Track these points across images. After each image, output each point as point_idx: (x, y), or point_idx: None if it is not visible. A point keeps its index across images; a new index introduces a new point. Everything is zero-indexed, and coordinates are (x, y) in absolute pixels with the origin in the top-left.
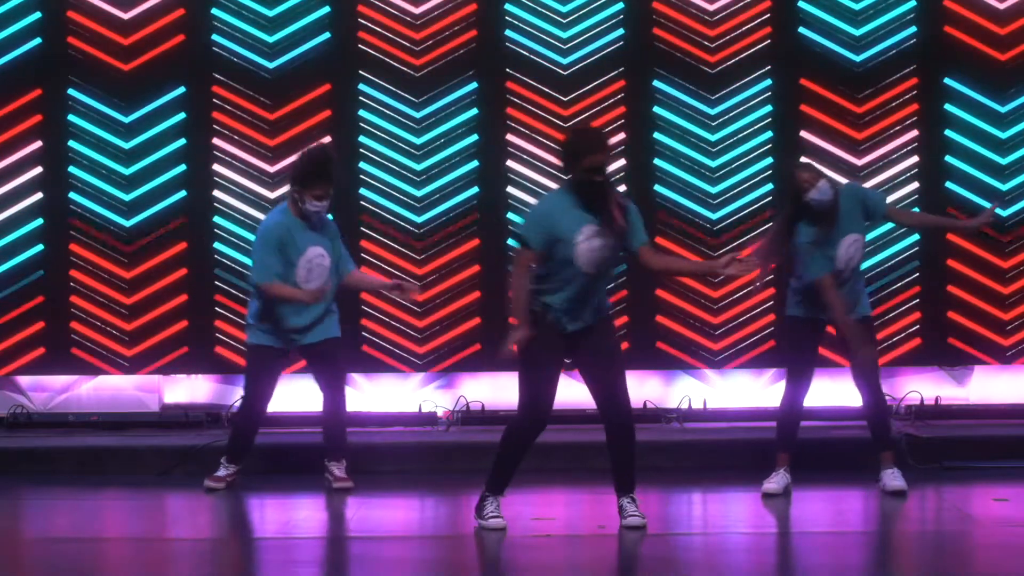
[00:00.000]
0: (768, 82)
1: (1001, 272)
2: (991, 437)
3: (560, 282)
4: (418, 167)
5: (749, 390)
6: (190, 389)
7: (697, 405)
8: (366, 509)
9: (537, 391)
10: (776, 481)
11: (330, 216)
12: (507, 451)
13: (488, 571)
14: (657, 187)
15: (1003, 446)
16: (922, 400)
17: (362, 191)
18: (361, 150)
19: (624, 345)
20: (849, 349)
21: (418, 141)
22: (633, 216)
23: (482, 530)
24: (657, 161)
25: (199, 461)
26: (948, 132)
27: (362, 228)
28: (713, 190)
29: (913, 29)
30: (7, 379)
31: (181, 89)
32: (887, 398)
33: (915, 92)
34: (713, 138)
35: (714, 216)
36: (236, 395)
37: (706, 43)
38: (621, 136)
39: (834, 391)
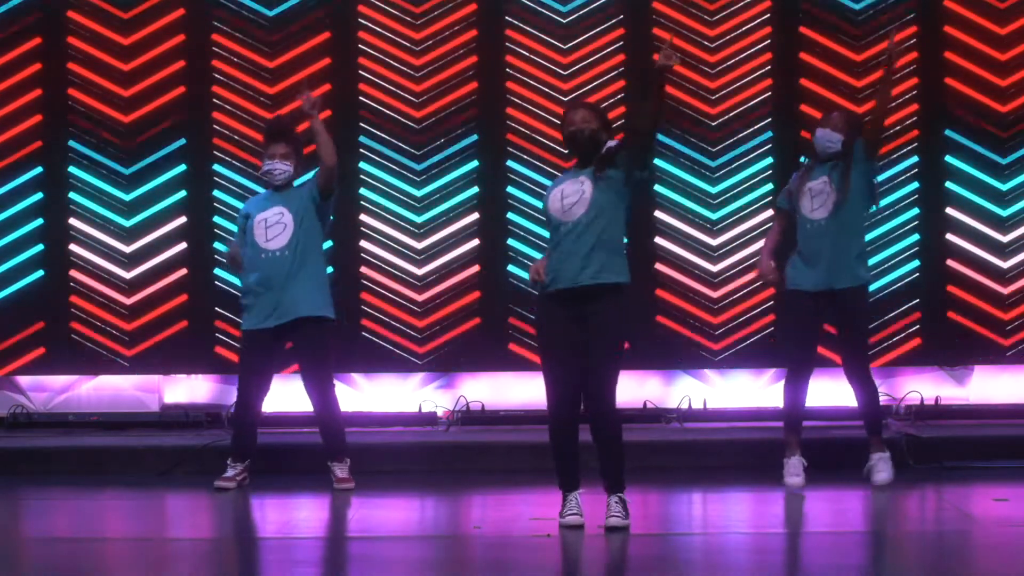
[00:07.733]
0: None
1: (1001, 272)
2: (991, 437)
3: (551, 243)
4: (418, 167)
5: (749, 390)
6: (190, 389)
7: (697, 405)
8: (366, 509)
9: (549, 380)
10: (797, 473)
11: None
12: (551, 446)
13: (488, 571)
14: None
15: (1003, 446)
16: (922, 400)
17: (362, 191)
18: (361, 149)
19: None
20: None
21: (417, 152)
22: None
23: (560, 528)
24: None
25: (199, 461)
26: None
27: (361, 228)
28: (713, 190)
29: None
30: (7, 379)
31: (180, 90)
32: (882, 394)
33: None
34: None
35: (714, 211)
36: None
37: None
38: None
39: (834, 391)
